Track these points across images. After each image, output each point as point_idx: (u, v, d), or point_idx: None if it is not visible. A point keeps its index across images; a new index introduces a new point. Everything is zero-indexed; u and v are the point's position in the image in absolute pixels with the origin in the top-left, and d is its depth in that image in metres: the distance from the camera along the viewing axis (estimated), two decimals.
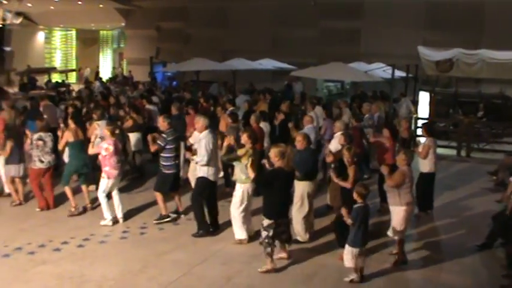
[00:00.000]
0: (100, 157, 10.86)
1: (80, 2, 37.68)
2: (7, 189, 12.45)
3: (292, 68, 29.82)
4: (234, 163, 9.95)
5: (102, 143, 10.87)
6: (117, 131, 11.09)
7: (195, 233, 10.25)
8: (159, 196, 11.07)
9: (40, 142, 11.36)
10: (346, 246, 8.28)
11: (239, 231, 9.87)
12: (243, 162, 9.48)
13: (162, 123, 11.17)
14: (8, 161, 11.92)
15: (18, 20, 39.66)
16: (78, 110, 15.53)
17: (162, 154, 10.92)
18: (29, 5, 38.20)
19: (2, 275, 8.49)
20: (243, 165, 9.49)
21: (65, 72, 46.69)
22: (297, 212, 9.97)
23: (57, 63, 50.77)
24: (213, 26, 36.96)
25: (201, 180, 10.31)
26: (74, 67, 50.90)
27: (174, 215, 11.23)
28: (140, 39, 41.47)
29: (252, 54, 31.20)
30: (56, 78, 41.42)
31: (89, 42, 52.42)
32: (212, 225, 10.43)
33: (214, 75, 30.89)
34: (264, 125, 13.64)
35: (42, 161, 11.43)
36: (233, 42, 35.34)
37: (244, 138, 9.82)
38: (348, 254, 8.24)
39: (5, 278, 8.36)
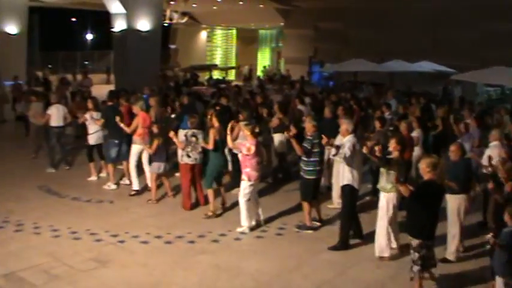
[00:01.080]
0: (240, 157, 10.58)
1: (241, 2, 38.77)
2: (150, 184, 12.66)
3: (452, 71, 28.93)
4: (381, 170, 9.20)
5: (244, 142, 10.56)
6: (257, 130, 10.74)
7: (332, 246, 9.61)
8: (306, 206, 10.49)
9: (193, 138, 11.43)
10: (496, 276, 7.29)
11: (380, 248, 9.16)
12: (390, 171, 8.74)
13: (307, 125, 10.54)
14: (155, 159, 12.10)
15: (184, 20, 41.53)
16: (224, 108, 15.33)
17: (304, 158, 10.29)
18: (194, 5, 39.93)
19: (165, 259, 8.99)
20: (388, 174, 8.81)
21: (225, 69, 48.32)
22: (450, 229, 9.20)
23: (218, 60, 52.63)
24: (371, 27, 36.54)
25: (347, 188, 9.63)
26: (233, 65, 52.54)
27: (317, 224, 10.69)
28: (298, 38, 41.90)
29: (409, 56, 30.63)
30: (216, 75, 42.96)
31: (248, 40, 53.81)
32: (356, 234, 9.96)
33: (371, 76, 30.69)
34: (416, 132, 12.69)
35: (189, 156, 11.41)
36: (391, 44, 34.75)
37: (392, 144, 9.02)
38: (498, 286, 7.22)
39: (167, 263, 8.85)
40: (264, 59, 52.80)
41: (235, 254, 9.33)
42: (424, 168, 7.60)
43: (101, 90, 20.35)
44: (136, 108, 12.87)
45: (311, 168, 10.26)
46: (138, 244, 9.60)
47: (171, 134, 11.48)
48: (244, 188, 10.29)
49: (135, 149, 12.66)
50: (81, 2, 39.60)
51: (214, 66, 47.00)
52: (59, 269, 8.45)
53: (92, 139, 13.70)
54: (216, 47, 53.88)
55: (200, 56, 50.46)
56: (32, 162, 15.26)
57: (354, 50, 33.96)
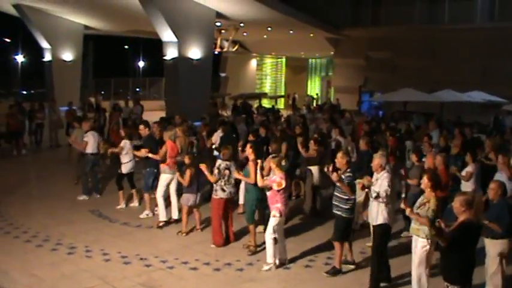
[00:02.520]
0: (269, 193, 9.93)
1: (291, 31, 39.03)
2: (174, 215, 12.58)
3: (503, 101, 28.54)
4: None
5: (274, 177, 9.88)
6: (283, 163, 10.17)
7: None
8: (339, 246, 9.62)
9: (227, 172, 10.95)
10: None
11: None
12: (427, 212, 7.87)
13: (339, 160, 9.64)
14: (186, 190, 11.69)
15: (234, 48, 42.01)
16: (261, 139, 15.06)
17: (337, 194, 9.53)
18: (245, 34, 40.39)
19: (213, 286, 9.03)
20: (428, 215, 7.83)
21: (274, 98, 48.52)
22: (490, 278, 8.44)
23: (267, 89, 52.98)
24: (421, 56, 36.43)
25: (381, 227, 8.93)
26: (282, 93, 52.76)
27: (351, 267, 9.89)
28: (348, 67, 41.91)
29: (460, 85, 30.34)
30: (266, 103, 43.20)
31: (297, 69, 54.05)
32: (385, 277, 9.20)
33: (421, 106, 30.42)
34: (470, 167, 11.76)
35: (224, 190, 10.90)
36: (441, 73, 34.57)
37: (424, 181, 8.22)
38: None
39: None
40: (313, 88, 52.91)
41: (283, 282, 9.28)
42: (459, 207, 6.82)
43: (156, 116, 20.68)
44: (166, 137, 12.79)
45: (348, 207, 9.48)
46: (187, 270, 9.64)
47: (202, 166, 11.12)
48: (275, 224, 9.78)
49: (163, 178, 12.46)
50: (134, 30, 40.52)
51: (264, 95, 47.29)
52: None
53: (126, 168, 13.75)
54: (266, 76, 54.28)
55: (250, 84, 50.89)
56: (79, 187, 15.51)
57: (404, 80, 33.79)
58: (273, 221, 9.78)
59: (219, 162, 11.19)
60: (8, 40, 57.60)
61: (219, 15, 31.00)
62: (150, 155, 12.69)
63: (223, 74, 49.29)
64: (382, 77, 38.01)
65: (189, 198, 11.66)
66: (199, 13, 28.48)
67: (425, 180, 8.16)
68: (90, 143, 14.69)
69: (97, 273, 9.35)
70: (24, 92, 48.75)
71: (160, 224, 12.29)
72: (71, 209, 13.50)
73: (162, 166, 12.46)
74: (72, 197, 14.69)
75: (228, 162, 11.07)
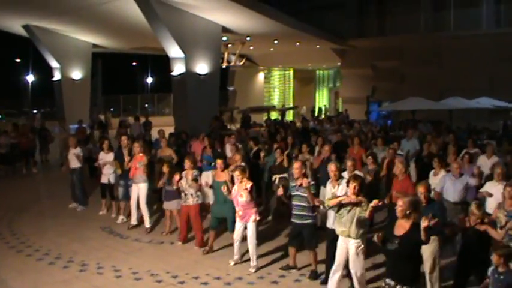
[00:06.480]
0: (243, 200, 10.24)
1: (297, 44, 39.15)
2: (133, 221, 13.37)
3: None
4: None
5: (247, 184, 10.30)
6: (245, 173, 10.42)
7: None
8: (314, 254, 9.94)
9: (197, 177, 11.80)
10: None
11: None
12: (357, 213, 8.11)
13: (295, 170, 9.91)
14: (173, 196, 12.36)
15: (241, 62, 42.17)
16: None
17: (301, 203, 9.67)
18: (251, 47, 40.53)
19: None
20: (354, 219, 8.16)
21: (282, 110, 48.64)
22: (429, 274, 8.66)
23: (275, 101, 53.10)
24: (428, 65, 36.44)
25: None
26: (291, 105, 52.87)
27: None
28: (355, 78, 41.97)
29: (468, 92, 30.33)
30: (274, 116, 43.27)
31: (305, 81, 54.21)
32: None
33: (429, 114, 30.38)
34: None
35: (196, 196, 11.78)
36: (449, 81, 34.56)
37: (350, 187, 8.29)
38: None
39: None
40: (321, 99, 53.00)
41: None
42: (405, 209, 6.79)
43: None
44: (136, 149, 13.27)
45: (315, 214, 10.00)
46: (198, 285, 9.66)
47: (176, 178, 11.77)
48: (257, 228, 10.48)
49: (146, 187, 13.17)
50: (142, 47, 40.75)
51: (273, 108, 47.37)
52: None
53: (112, 178, 14.52)
54: (274, 88, 54.42)
55: (258, 97, 51.05)
56: (93, 203, 15.66)
57: (412, 88, 33.81)
58: (254, 225, 10.33)
59: (192, 172, 11.70)
60: (18, 60, 58.19)
61: (226, 30, 31.13)
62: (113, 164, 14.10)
63: (231, 88, 49.47)
64: (390, 86, 38.03)
65: (175, 204, 12.43)
66: (205, 28, 28.62)
67: (351, 188, 8.23)
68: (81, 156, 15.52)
69: None
70: (35, 111, 49.14)
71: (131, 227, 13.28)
72: (82, 226, 13.57)
73: (143, 176, 13.06)
74: (83, 213, 14.89)
75: (196, 171, 11.93)
